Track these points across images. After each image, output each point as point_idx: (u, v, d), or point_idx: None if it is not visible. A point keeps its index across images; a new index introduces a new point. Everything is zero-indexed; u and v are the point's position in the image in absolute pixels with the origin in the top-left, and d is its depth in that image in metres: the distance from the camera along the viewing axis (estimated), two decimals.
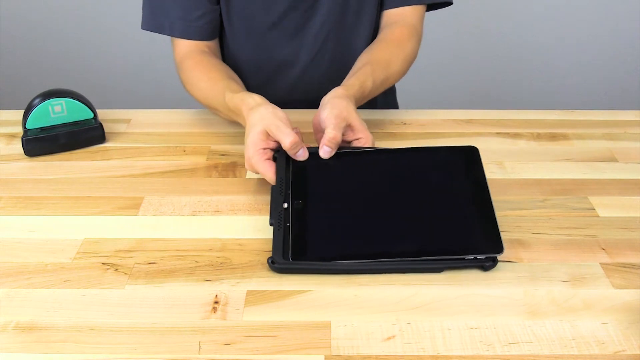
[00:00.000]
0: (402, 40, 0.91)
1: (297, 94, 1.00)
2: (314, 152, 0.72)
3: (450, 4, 0.96)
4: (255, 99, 0.77)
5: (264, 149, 0.71)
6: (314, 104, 0.94)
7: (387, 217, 0.65)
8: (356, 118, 0.73)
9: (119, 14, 1.97)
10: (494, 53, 2.06)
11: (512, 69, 2.09)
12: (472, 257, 0.61)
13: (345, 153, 0.72)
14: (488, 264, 0.61)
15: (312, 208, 0.67)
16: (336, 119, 0.71)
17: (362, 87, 0.81)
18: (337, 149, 0.71)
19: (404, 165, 0.71)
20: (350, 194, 0.69)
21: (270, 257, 0.62)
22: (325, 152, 0.70)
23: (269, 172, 0.70)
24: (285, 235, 0.64)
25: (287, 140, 0.69)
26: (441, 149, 0.73)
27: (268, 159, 0.71)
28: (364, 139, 0.73)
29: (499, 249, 0.61)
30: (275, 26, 0.94)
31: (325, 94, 0.77)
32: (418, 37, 0.94)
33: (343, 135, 0.72)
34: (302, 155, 0.71)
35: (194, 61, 0.91)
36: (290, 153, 0.71)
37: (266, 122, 0.71)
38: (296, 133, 0.71)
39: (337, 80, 0.95)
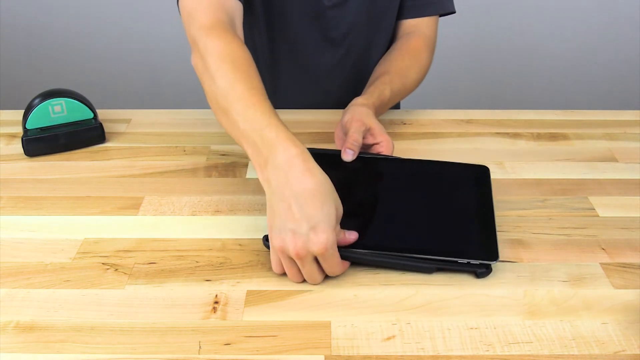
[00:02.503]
0: (418, 51, 0.93)
1: (317, 98, 1.01)
2: (324, 153, 0.73)
3: (454, 12, 0.98)
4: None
5: None
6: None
7: (386, 217, 0.66)
8: (375, 122, 0.76)
9: (119, 14, 1.97)
10: (494, 53, 2.06)
11: (512, 69, 2.09)
12: (465, 261, 0.61)
13: (358, 159, 0.73)
14: (481, 271, 0.60)
15: None
16: (356, 122, 0.74)
17: (381, 95, 0.83)
18: (358, 151, 0.73)
19: (413, 174, 0.72)
20: (352, 194, 0.69)
21: (265, 234, 0.61)
22: (347, 155, 0.72)
23: None
24: None
25: None
26: (452, 164, 0.75)
27: None
28: (384, 142, 0.75)
29: (494, 256, 0.61)
30: (304, 30, 0.93)
31: (342, 101, 0.77)
32: (433, 47, 0.96)
33: (363, 138, 0.74)
34: None
35: (229, 64, 0.67)
36: None
37: None
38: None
39: (354, 88, 0.95)
